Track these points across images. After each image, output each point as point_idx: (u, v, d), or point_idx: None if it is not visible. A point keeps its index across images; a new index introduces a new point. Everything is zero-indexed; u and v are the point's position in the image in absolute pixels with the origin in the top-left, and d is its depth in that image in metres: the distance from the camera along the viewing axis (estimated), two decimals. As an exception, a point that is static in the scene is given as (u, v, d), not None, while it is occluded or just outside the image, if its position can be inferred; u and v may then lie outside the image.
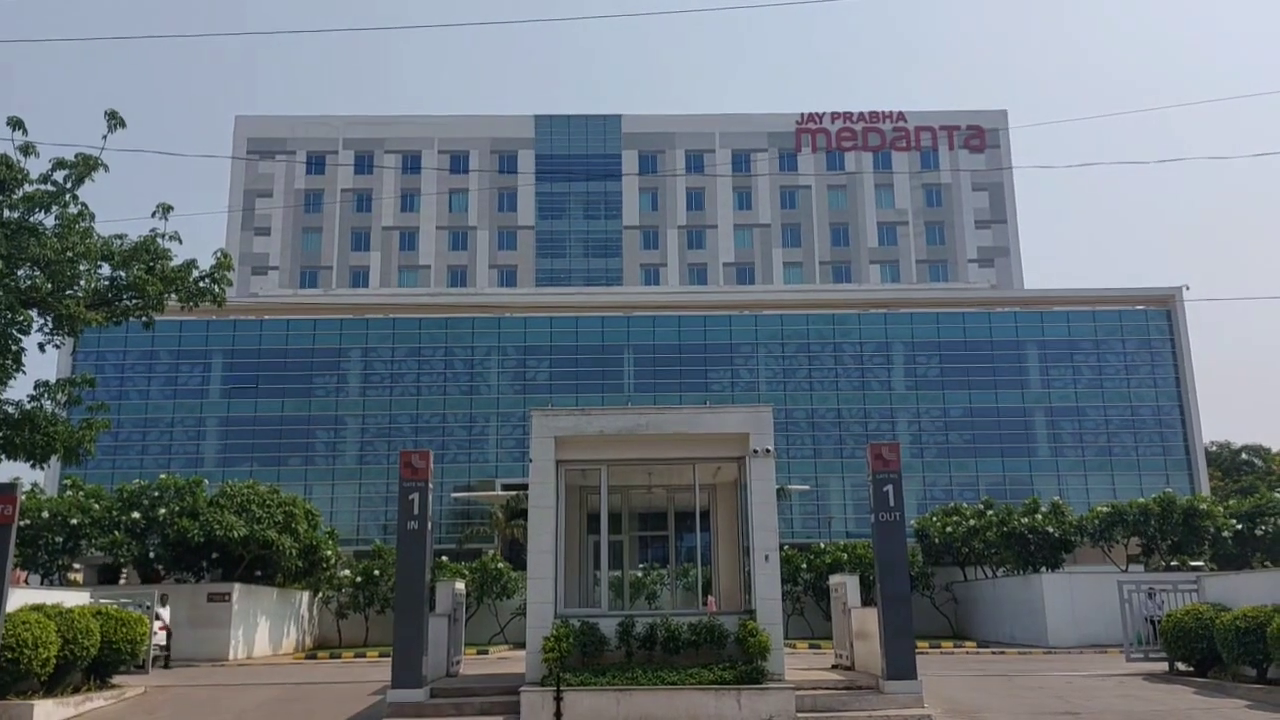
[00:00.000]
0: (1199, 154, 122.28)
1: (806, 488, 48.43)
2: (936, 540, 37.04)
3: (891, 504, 15.66)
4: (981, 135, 79.78)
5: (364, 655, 29.25)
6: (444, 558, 36.11)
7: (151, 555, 29.20)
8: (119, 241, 18.24)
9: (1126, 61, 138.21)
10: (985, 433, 52.64)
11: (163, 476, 31.11)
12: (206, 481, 31.29)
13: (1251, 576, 21.41)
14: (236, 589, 28.64)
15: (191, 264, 18.56)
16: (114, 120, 17.67)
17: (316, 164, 78.00)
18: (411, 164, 78.13)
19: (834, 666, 19.17)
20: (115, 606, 18.52)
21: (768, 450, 16.06)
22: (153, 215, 18.28)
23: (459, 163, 78.31)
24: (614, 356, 54.01)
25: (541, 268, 77.02)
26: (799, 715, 14.04)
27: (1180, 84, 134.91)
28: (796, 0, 23.88)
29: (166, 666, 24.73)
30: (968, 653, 29.14)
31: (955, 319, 54.57)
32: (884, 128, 79.92)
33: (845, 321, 54.69)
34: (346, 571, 34.20)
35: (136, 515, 28.75)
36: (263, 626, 30.23)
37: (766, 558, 15.65)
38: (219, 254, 18.83)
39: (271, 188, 77.63)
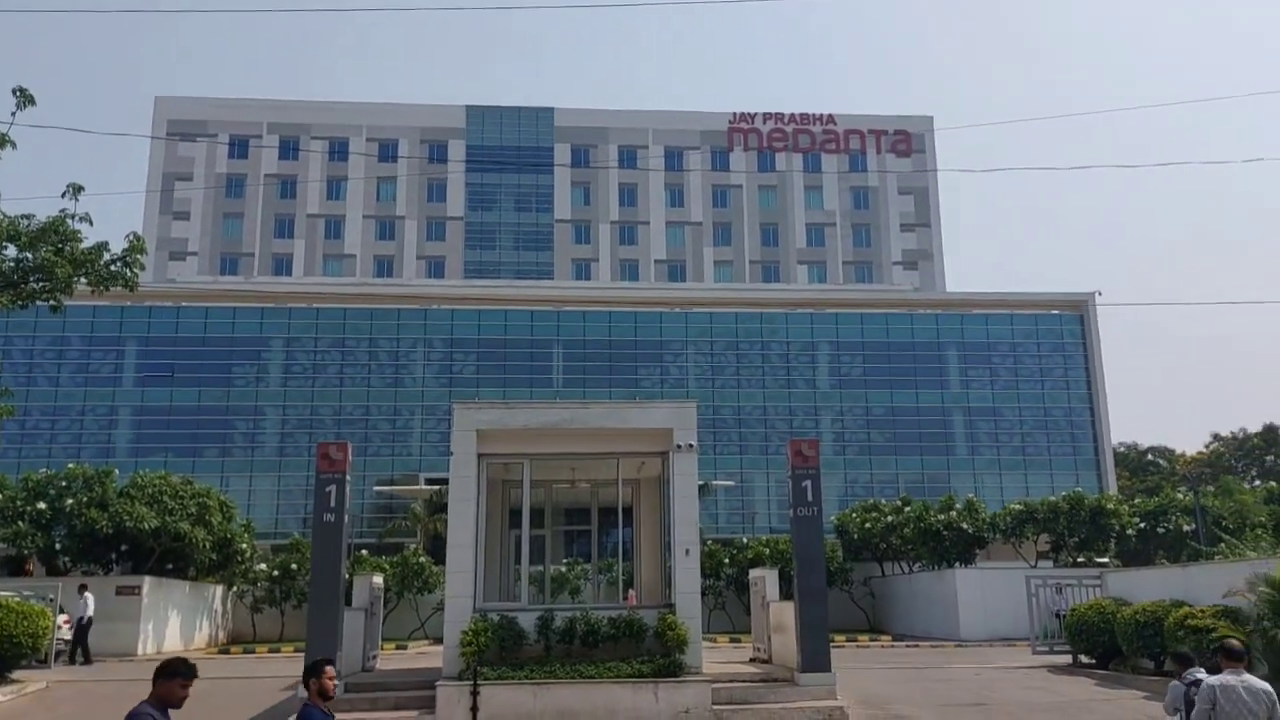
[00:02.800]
0: (1110, 162, 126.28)
1: (731, 483, 48.88)
2: (856, 536, 37.71)
3: (810, 499, 15.92)
4: (908, 139, 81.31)
5: (279, 650, 28.75)
6: (364, 551, 35.62)
7: (58, 547, 28.24)
8: (26, 222, 17.58)
9: (1053, 70, 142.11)
10: (905, 431, 53.76)
11: (71, 466, 30.15)
12: (117, 472, 30.35)
13: (1152, 573, 22.27)
14: (147, 582, 27.90)
15: (103, 246, 17.98)
16: (23, 97, 17.00)
17: (239, 148, 76.07)
18: (338, 150, 76.69)
19: (752, 659, 19.40)
20: (17, 599, 17.92)
21: (691, 445, 16.18)
22: (63, 196, 17.66)
23: (388, 151, 77.13)
24: (543, 351, 53.84)
25: (470, 259, 76.31)
26: (715, 708, 14.18)
27: (1103, 92, 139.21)
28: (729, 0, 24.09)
29: (87, 661, 23.99)
30: (883, 646, 29.76)
31: (879, 320, 55.61)
32: (814, 130, 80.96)
33: (773, 320, 55.34)
34: (262, 565, 33.53)
35: (42, 506, 27.81)
36: (174, 620, 29.49)
37: (687, 552, 15.77)
38: (132, 237, 18.27)
39: (192, 171, 75.52)
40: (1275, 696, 7.28)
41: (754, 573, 22.00)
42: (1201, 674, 8.36)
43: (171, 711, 5.55)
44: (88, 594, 24.97)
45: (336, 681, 6.25)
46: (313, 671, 6.37)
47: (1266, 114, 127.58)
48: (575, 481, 19.33)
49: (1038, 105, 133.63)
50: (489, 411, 16.83)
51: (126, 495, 28.34)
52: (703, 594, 17.48)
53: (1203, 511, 35.50)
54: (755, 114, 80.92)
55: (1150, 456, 77.42)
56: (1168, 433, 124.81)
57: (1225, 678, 7.35)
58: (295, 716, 5.76)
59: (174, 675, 5.62)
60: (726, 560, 35.67)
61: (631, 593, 18.91)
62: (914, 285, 73.38)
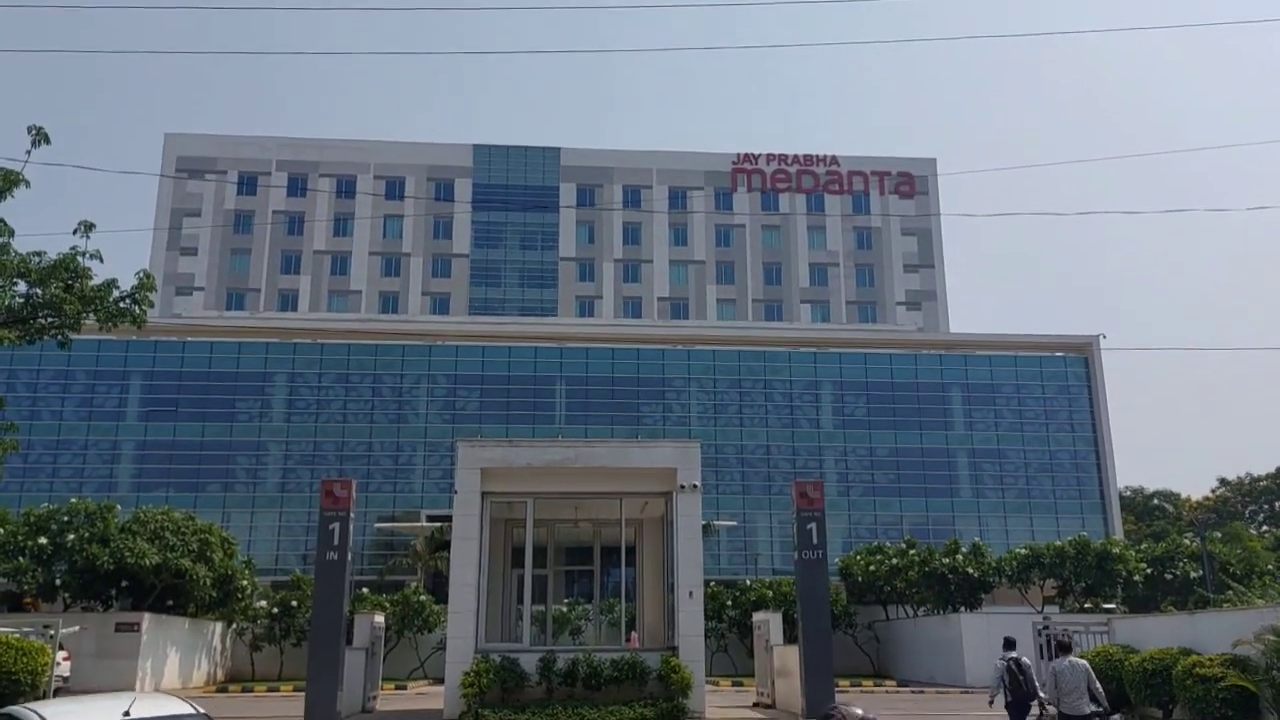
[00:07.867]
0: (1115, 207, 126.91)
1: (734, 524, 48.64)
2: (860, 579, 37.42)
3: (815, 542, 15.86)
4: (911, 181, 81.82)
5: (277, 689, 28.49)
6: (364, 589, 35.41)
7: (58, 582, 28.09)
8: (37, 259, 17.65)
9: (1057, 115, 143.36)
10: (909, 473, 53.52)
11: (73, 501, 30.05)
12: (119, 507, 30.25)
13: (1159, 620, 22.05)
14: (146, 619, 27.70)
15: (112, 283, 18.02)
16: (38, 136, 17.15)
17: (248, 184, 76.67)
18: (346, 188, 77.27)
19: (755, 704, 19.22)
20: (17, 636, 17.78)
21: (695, 485, 16.18)
22: (74, 233, 17.76)
23: (394, 189, 77.71)
24: (546, 388, 53.83)
25: (475, 296, 76.58)
26: (718, 753, 14.04)
27: (1106, 139, 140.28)
28: (733, 45, 24.39)
29: None
30: (888, 691, 29.43)
31: (882, 360, 55.61)
32: (817, 171, 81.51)
33: (776, 359, 55.35)
34: (263, 602, 33.31)
35: (44, 541, 27.68)
36: (173, 658, 29.26)
37: (690, 594, 15.71)
38: (141, 274, 18.33)
39: (200, 207, 76.09)
40: (1089, 667, 12.53)
41: (758, 616, 21.87)
42: (1014, 654, 13.41)
43: None
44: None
45: None
46: None
47: (1272, 161, 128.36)
48: (578, 521, 19.29)
49: (1043, 149, 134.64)
50: (493, 449, 16.84)
51: (128, 531, 28.23)
52: (705, 636, 17.36)
53: (1210, 558, 35.24)
54: (759, 155, 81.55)
55: (1156, 501, 76.95)
56: (1173, 477, 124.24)
57: (1060, 660, 12.37)
58: None
59: None
60: (729, 602, 35.40)
61: (634, 634, 18.80)
62: (917, 325, 73.45)
